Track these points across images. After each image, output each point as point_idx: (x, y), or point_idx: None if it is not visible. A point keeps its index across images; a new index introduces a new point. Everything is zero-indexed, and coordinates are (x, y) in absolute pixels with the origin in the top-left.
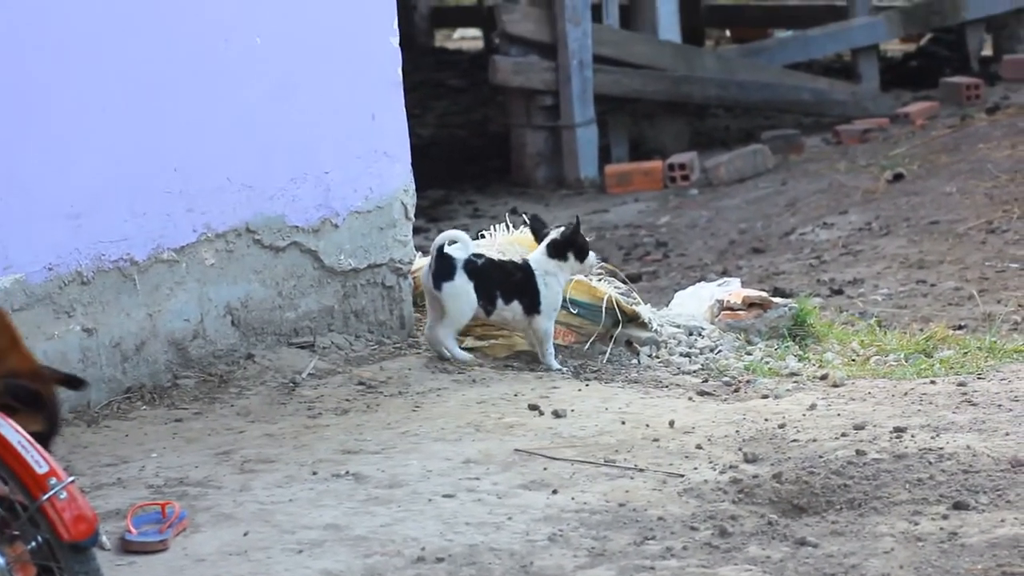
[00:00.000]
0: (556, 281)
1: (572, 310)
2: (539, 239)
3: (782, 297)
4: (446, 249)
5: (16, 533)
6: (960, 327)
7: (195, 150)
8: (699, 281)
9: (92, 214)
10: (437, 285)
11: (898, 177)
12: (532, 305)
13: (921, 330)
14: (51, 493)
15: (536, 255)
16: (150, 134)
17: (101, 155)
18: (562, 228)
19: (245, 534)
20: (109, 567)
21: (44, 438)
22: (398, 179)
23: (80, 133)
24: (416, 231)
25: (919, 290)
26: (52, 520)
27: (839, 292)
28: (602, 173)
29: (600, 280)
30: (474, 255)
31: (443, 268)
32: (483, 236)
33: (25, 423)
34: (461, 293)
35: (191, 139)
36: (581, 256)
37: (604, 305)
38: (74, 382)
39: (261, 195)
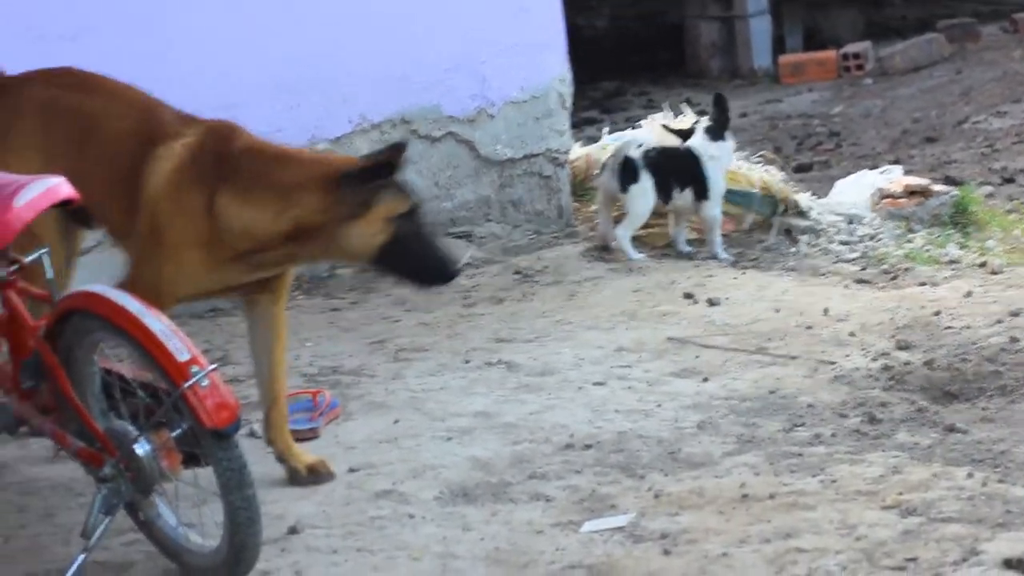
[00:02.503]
0: (719, 165)
1: (730, 198)
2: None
3: (952, 185)
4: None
5: (161, 420)
6: None
7: (350, 42)
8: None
9: (247, 105)
10: (624, 188)
11: None
12: (701, 191)
13: None
14: (193, 381)
15: (697, 140)
16: (305, 27)
17: (256, 47)
18: (705, 118)
19: (396, 422)
20: (261, 454)
21: (413, 213)
22: (553, 69)
23: (235, 25)
24: (589, 122)
25: None
26: (194, 407)
27: (1010, 180)
28: (776, 63)
29: (759, 169)
30: (647, 150)
31: (628, 170)
32: (639, 126)
33: (393, 206)
34: (647, 192)
35: (346, 31)
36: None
37: (761, 193)
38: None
39: (416, 86)
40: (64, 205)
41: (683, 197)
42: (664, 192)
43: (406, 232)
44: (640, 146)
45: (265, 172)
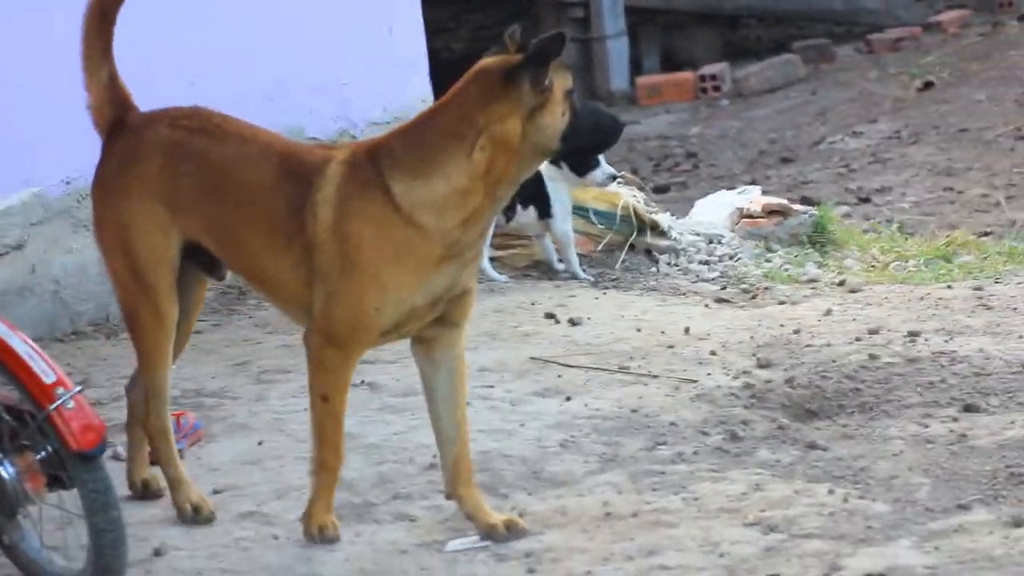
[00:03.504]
0: (559, 186)
1: (591, 219)
2: None
3: (809, 205)
4: None
5: (25, 443)
6: (986, 233)
7: (214, 62)
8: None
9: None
10: None
11: (928, 85)
12: (544, 209)
13: (945, 236)
14: (58, 403)
15: None
16: (164, 46)
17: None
18: None
19: (259, 443)
20: (124, 477)
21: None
22: (416, 90)
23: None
24: None
25: (946, 197)
26: (59, 429)
27: (866, 200)
28: (633, 85)
29: (621, 189)
30: None
31: None
32: None
33: (564, 79)
34: None
35: (211, 52)
36: (578, 170)
37: (622, 213)
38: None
39: (280, 107)
40: None
41: (527, 215)
42: (507, 208)
43: (578, 103)
44: None
45: (424, 135)
